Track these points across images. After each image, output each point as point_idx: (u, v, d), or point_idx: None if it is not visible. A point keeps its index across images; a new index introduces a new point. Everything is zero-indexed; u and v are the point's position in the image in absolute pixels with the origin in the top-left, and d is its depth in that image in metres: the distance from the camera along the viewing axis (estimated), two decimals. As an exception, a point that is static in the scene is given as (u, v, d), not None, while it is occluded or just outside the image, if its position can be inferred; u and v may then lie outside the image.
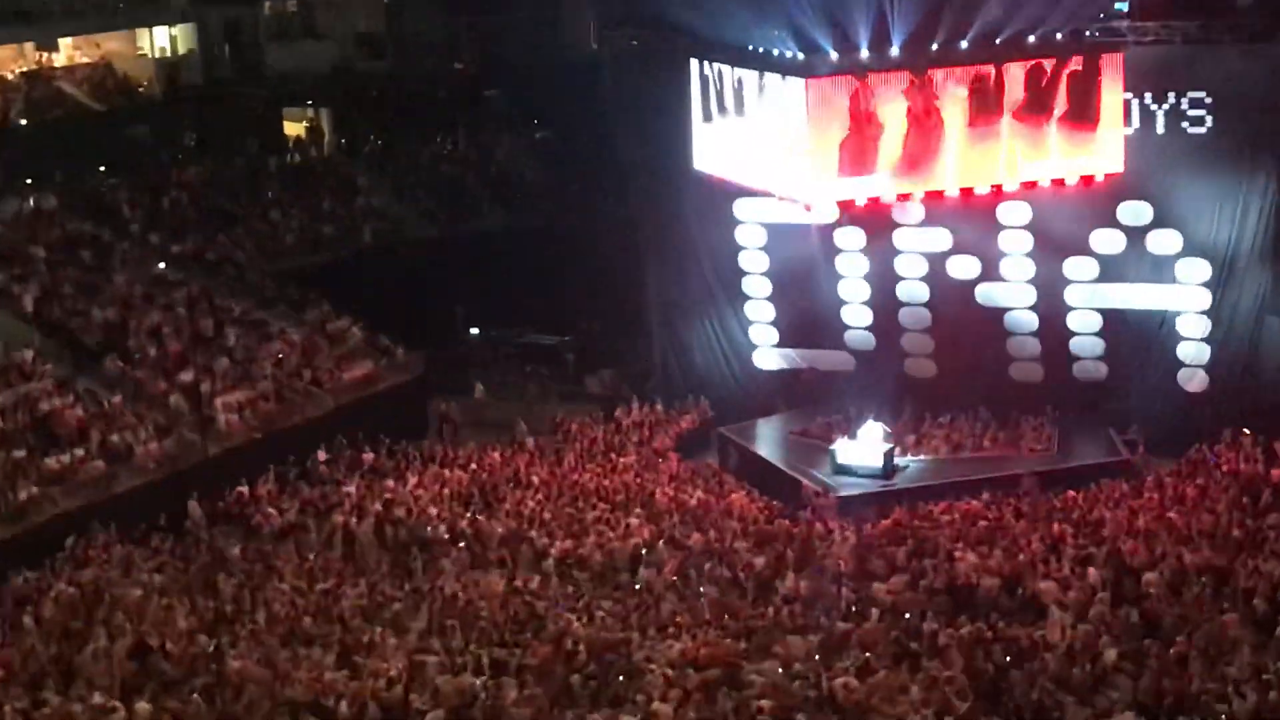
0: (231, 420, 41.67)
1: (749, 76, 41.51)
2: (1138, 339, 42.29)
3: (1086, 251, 41.99)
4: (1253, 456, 38.39)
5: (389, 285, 48.09)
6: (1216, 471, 38.17)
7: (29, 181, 49.28)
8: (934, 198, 40.99)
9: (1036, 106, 40.02)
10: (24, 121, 49.68)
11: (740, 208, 44.54)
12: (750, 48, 41.68)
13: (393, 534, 37.30)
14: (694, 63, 43.25)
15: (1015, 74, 40.05)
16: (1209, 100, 40.11)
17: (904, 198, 41.11)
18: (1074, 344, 43.03)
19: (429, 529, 37.41)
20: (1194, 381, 41.88)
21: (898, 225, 43.14)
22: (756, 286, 45.34)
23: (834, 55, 40.02)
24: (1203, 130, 40.31)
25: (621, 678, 29.87)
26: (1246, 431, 39.03)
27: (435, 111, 56.10)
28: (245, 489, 39.37)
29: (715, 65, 42.74)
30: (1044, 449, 41.28)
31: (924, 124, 39.72)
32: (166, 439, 40.36)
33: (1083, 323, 42.82)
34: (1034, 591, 33.00)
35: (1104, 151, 40.22)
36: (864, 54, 39.94)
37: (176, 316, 45.08)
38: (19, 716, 28.81)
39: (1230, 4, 41.22)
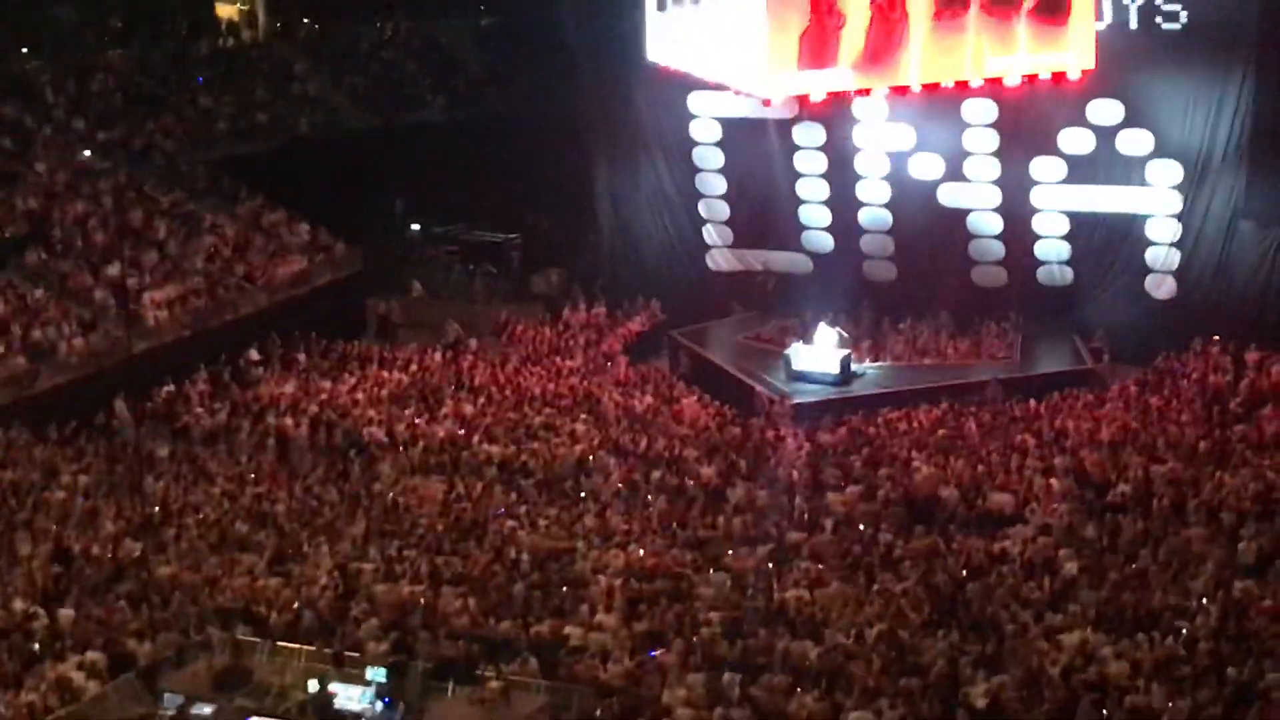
0: (160, 317, 41.68)
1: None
2: (1106, 243, 42.46)
3: (1054, 152, 42.10)
4: (1221, 366, 38.84)
5: (325, 177, 47.88)
6: (1184, 381, 38.64)
7: (-55, 62, 49.08)
8: (897, 93, 41.03)
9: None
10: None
11: (695, 101, 44.53)
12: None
13: (327, 437, 37.44)
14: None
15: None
16: (1183, -1, 40.30)
17: (864, 92, 41.15)
18: (1039, 248, 43.21)
19: (366, 432, 37.54)
20: (1162, 288, 42.12)
21: (858, 121, 43.10)
22: (711, 184, 45.41)
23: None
24: (1177, 26, 40.26)
25: (565, 588, 30.06)
26: (1216, 340, 39.37)
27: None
28: (174, 388, 39.44)
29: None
30: (1006, 356, 41.59)
31: (887, 15, 39.62)
32: (92, 335, 40.38)
33: (1049, 226, 42.99)
34: (993, 503, 33.32)
35: (1075, 47, 40.24)
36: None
37: (102, 207, 45.01)
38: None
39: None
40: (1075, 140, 41.76)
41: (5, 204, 43.98)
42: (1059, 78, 40.38)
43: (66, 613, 28.86)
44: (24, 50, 50.90)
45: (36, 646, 27.70)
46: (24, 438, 36.65)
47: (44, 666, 27.07)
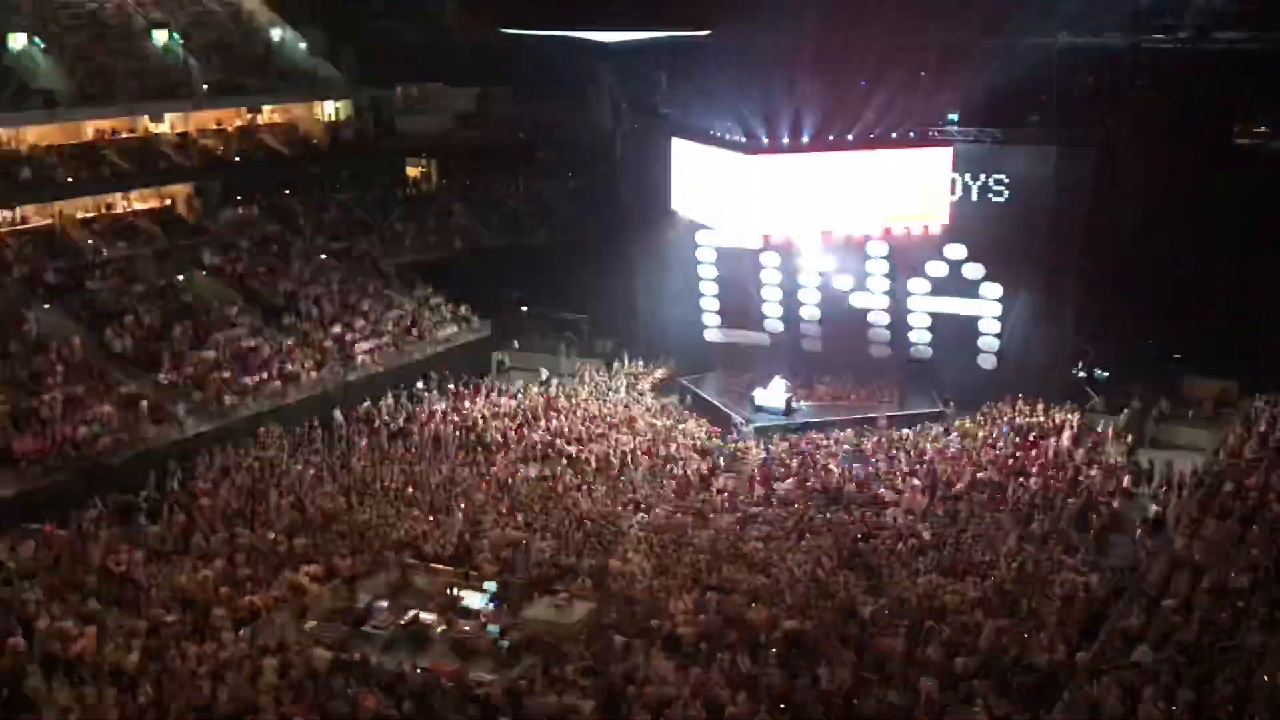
0: (364, 359, 42.23)
1: (709, 151, 41.92)
2: (953, 333, 42.58)
3: (922, 274, 42.36)
4: (1022, 411, 39.03)
5: (470, 275, 48.36)
6: (999, 421, 38.77)
7: (239, 197, 49.62)
8: (825, 236, 41.48)
9: (895, 178, 40.56)
10: (237, 158, 49.86)
11: (700, 235, 44.89)
12: (712, 132, 42.10)
13: (465, 437, 37.82)
14: (675, 140, 43.61)
15: (884, 157, 40.60)
16: (1007, 180, 40.62)
17: (805, 233, 41.62)
18: (911, 335, 43.40)
19: (488, 435, 37.90)
20: (988, 362, 42.29)
21: (800, 253, 43.20)
22: (708, 287, 45.70)
23: (765, 140, 40.52)
24: (1002, 199, 40.76)
25: (610, 537, 30.44)
26: (1020, 395, 39.61)
27: (505, 165, 56.34)
28: (371, 404, 39.90)
29: (688, 142, 43.13)
30: (889, 401, 41.81)
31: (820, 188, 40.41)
32: (321, 370, 40.88)
33: (918, 320, 43.16)
34: (878, 493, 33.65)
35: (937, 211, 40.69)
36: (784, 140, 40.47)
37: (330, 290, 45.58)
38: (221, 543, 29.36)
39: (1022, 120, 41.71)
40: (936, 268, 42.07)
41: (270, 287, 44.57)
42: (925, 230, 40.86)
43: (300, 541, 29.37)
44: (286, 190, 51.44)
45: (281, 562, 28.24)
46: (277, 431, 37.14)
47: (284, 574, 27.57)
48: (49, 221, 44.08)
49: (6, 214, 43.23)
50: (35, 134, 44.35)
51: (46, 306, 39.52)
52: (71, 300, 40.30)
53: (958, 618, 25.19)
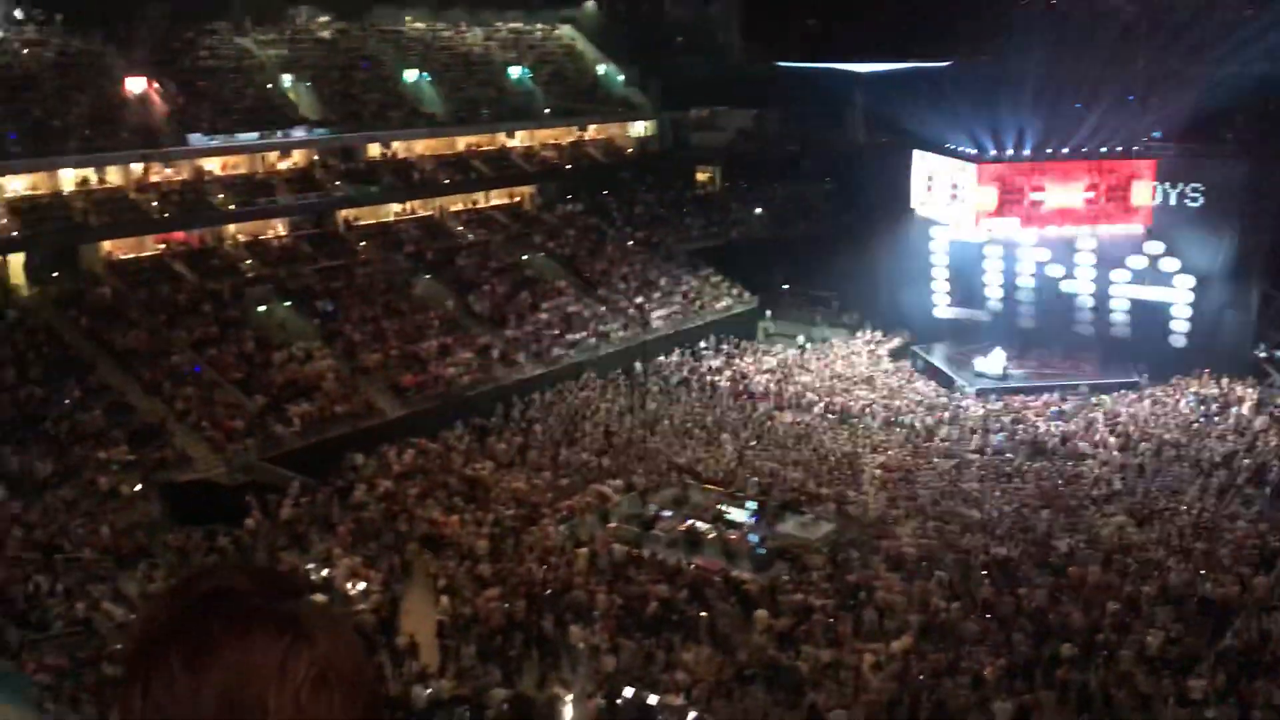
0: (659, 324, 42.89)
1: (945, 161, 40.83)
2: (1149, 316, 40.15)
3: (1124, 266, 40.12)
4: (1208, 384, 36.64)
5: (742, 259, 48.37)
6: (1187, 391, 36.58)
7: (569, 196, 50.90)
8: (1040, 233, 39.87)
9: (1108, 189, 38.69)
10: (568, 166, 51.26)
11: (933, 230, 43.68)
12: (948, 145, 40.97)
13: (735, 387, 38.11)
14: (915, 153, 42.62)
15: (1094, 167, 38.71)
16: (1202, 188, 38.02)
17: (1024, 228, 40.08)
18: (1112, 317, 41.10)
19: (754, 386, 38.11)
20: (1178, 342, 39.71)
21: (1019, 245, 41.60)
22: (938, 272, 44.40)
23: (992, 152, 39.17)
24: (1196, 205, 38.20)
25: (850, 472, 30.25)
26: (1207, 370, 37.19)
27: (775, 171, 56.03)
28: (662, 359, 40.63)
29: (927, 154, 42.09)
30: (1091, 371, 39.90)
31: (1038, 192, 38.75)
32: (625, 330, 41.74)
33: (1119, 305, 40.83)
34: (1077, 447, 32.30)
35: (1140, 214, 38.55)
36: (1009, 152, 39.07)
37: (634, 270, 46.44)
38: (548, 459, 30.59)
39: (1218, 137, 39.10)
40: (1136, 261, 39.71)
41: (590, 265, 45.66)
42: (1129, 229, 38.78)
43: (606, 461, 30.29)
44: (604, 192, 52.27)
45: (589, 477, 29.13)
46: (591, 379, 38.24)
47: (594, 486, 28.50)
48: (431, 213, 46.41)
49: (402, 207, 45.77)
50: (422, 146, 46.67)
51: (427, 276, 41.69)
52: (445, 272, 42.37)
53: (1142, 554, 24.04)
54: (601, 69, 56.09)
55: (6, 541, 23.61)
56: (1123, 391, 37.63)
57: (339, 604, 22.32)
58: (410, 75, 48.41)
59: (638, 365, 39.59)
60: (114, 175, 38.44)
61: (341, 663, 1.42)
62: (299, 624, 1.42)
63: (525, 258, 44.98)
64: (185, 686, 1.37)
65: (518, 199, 49.88)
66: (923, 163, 42.33)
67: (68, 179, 37.13)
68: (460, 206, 47.64)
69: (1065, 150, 38.86)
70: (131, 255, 37.93)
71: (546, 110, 51.67)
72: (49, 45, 39.61)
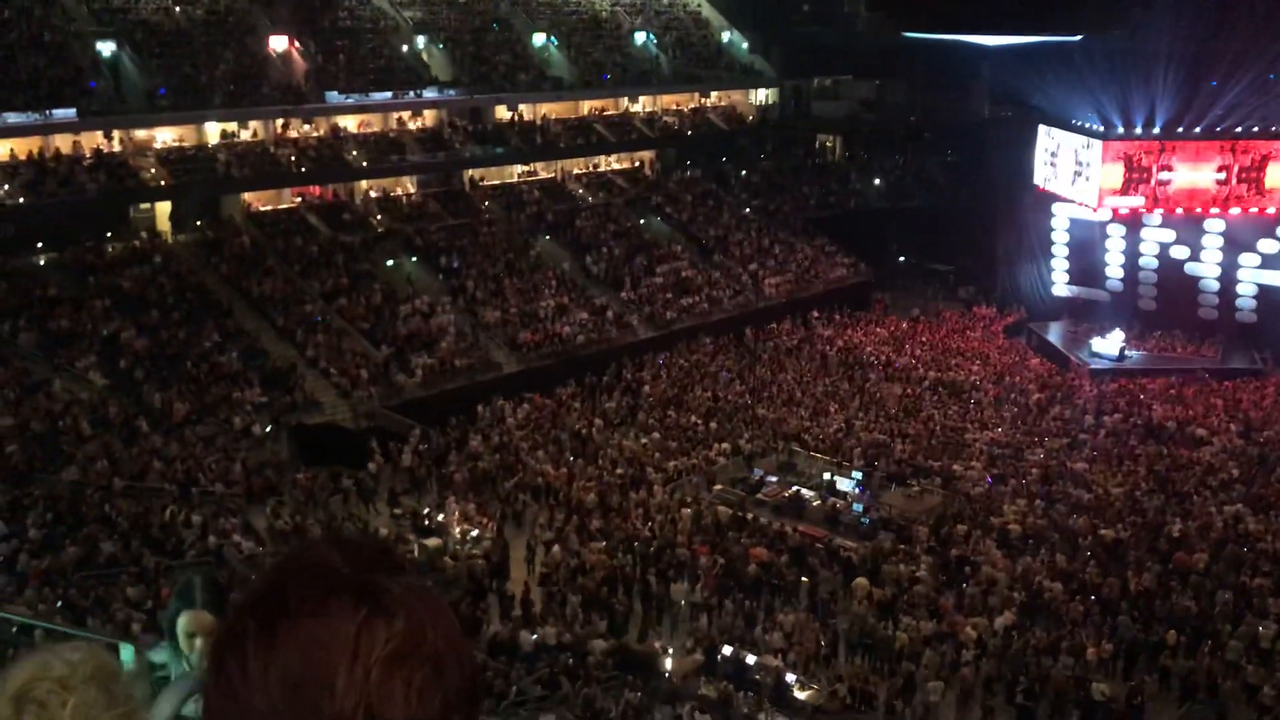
0: (772, 291, 42.55)
1: (1070, 137, 39.47)
2: (1277, 305, 38.40)
3: (1254, 250, 38.39)
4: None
5: (858, 229, 47.63)
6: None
7: (688, 162, 50.75)
8: (1168, 211, 38.32)
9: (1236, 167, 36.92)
10: (689, 132, 50.95)
11: (1056, 207, 42.39)
12: (1073, 121, 39.59)
13: (845, 357, 37.68)
14: (1040, 127, 41.33)
15: (1226, 147, 37.00)
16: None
17: (1149, 210, 38.54)
18: (1238, 301, 39.52)
19: (865, 357, 37.62)
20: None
21: (1144, 225, 40.15)
22: (1059, 250, 43.14)
23: (1120, 129, 37.74)
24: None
25: (957, 446, 29.69)
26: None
27: (896, 142, 54.98)
28: (775, 326, 40.36)
29: (1052, 129, 40.75)
30: (1212, 356, 38.37)
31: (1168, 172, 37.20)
32: (738, 297, 41.52)
33: (1245, 290, 39.22)
34: (1195, 433, 31.13)
35: (1273, 197, 36.74)
36: (1138, 129, 37.59)
37: (750, 237, 46.10)
38: (657, 420, 30.69)
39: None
40: (1267, 245, 38.01)
41: (705, 231, 45.49)
42: (1261, 211, 36.97)
43: (713, 425, 30.27)
44: (723, 159, 52.03)
45: (699, 440, 29.10)
46: (704, 342, 38.17)
47: (701, 449, 28.49)
48: (553, 175, 46.71)
49: (526, 167, 46.14)
50: (547, 109, 46.85)
51: (547, 237, 42.03)
52: (564, 233, 42.65)
53: (1257, 544, 23.13)
54: (725, 36, 55.49)
55: (147, 474, 24.69)
56: (1244, 378, 36.12)
57: (452, 548, 22.85)
58: (539, 39, 48.61)
59: (749, 332, 39.35)
60: (256, 129, 39.54)
61: (426, 643, 1.28)
62: (379, 597, 1.28)
63: (643, 221, 45.00)
64: (257, 667, 1.26)
65: (638, 163, 49.84)
66: (1047, 138, 41.07)
67: (212, 132, 38.32)
68: (581, 169, 47.83)
69: (1197, 130, 37.19)
70: (269, 207, 39.08)
71: (670, 75, 51.38)
72: (199, 3, 40.78)
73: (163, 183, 35.98)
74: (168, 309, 31.86)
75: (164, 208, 36.75)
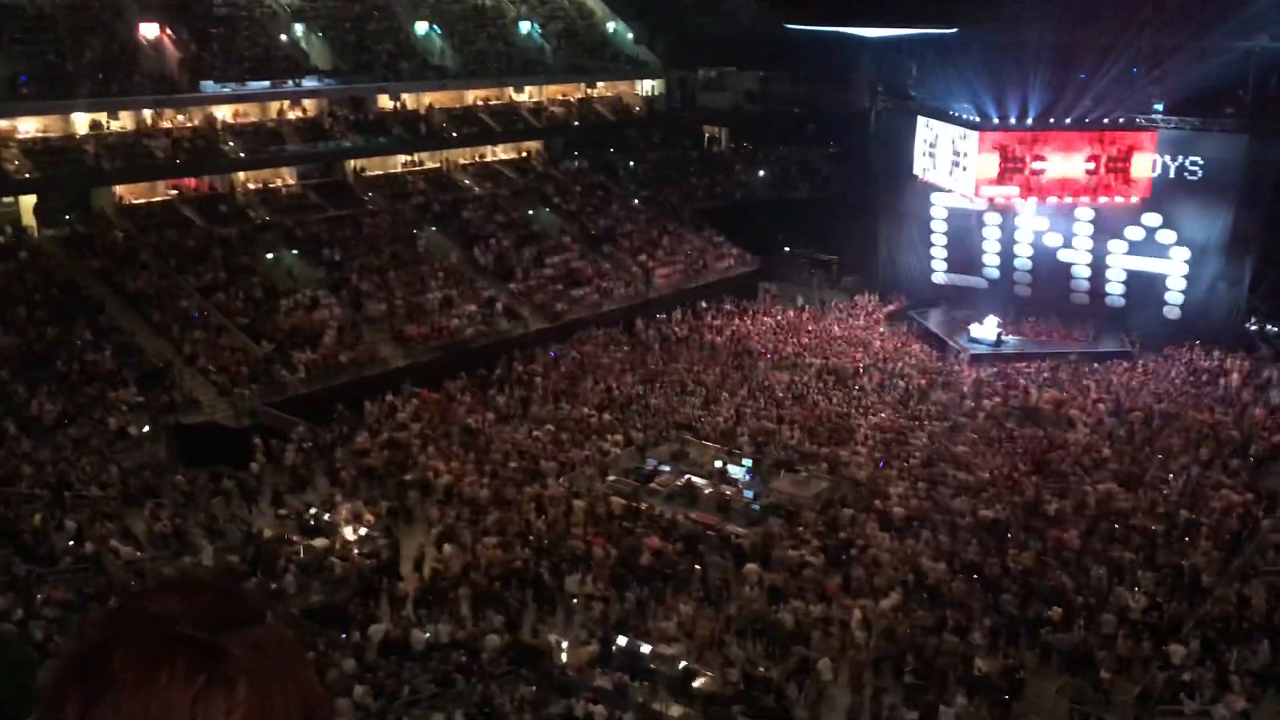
0: (661, 283, 42.69)
1: (947, 128, 40.42)
2: (1144, 287, 39.99)
3: (1121, 237, 39.88)
4: (1200, 355, 36.57)
5: (746, 221, 48.11)
6: (1177, 362, 36.47)
7: (575, 153, 50.57)
8: (1040, 200, 39.60)
9: (1104, 157, 38.32)
10: (575, 122, 50.80)
11: (934, 196, 43.34)
12: (951, 112, 40.55)
13: (733, 347, 38.00)
14: (919, 118, 42.20)
15: (1095, 138, 38.32)
16: (1201, 162, 37.74)
17: (1024, 198, 39.77)
18: (1108, 287, 40.91)
19: (752, 346, 37.99)
20: (1172, 314, 39.56)
21: (1018, 213, 41.36)
22: (938, 239, 44.14)
23: (995, 120, 38.81)
24: (1196, 178, 37.91)
25: (844, 432, 30.16)
26: (1197, 342, 37.10)
27: (780, 133, 55.58)
28: (665, 316, 40.46)
29: (930, 120, 41.67)
30: (1084, 339, 39.76)
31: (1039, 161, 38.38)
32: (628, 288, 41.56)
33: (1115, 276, 40.64)
34: (1068, 413, 32.22)
35: (1138, 185, 38.25)
36: (1012, 120, 38.71)
37: (639, 228, 46.19)
38: (548, 413, 30.52)
39: (1219, 112, 38.67)
40: (1133, 232, 39.47)
41: (594, 222, 45.45)
42: (1127, 200, 38.49)
43: (606, 417, 30.25)
44: (611, 150, 51.82)
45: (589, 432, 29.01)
46: (596, 334, 38.10)
47: (593, 440, 28.48)
48: (438, 165, 46.12)
49: (410, 158, 45.42)
50: (431, 98, 46.19)
51: (433, 228, 41.49)
52: (450, 224, 42.17)
53: (1127, 520, 24.08)
54: (611, 26, 55.47)
55: (16, 479, 23.63)
56: (1114, 361, 37.53)
57: (340, 548, 22.38)
58: (421, 27, 47.88)
59: (639, 323, 39.41)
60: (126, 120, 38.10)
61: (274, 712, 1.15)
62: (219, 660, 1.15)
63: (531, 212, 44.73)
64: None
65: (525, 154, 49.54)
66: (926, 129, 41.91)
67: (80, 123, 36.80)
68: (467, 160, 47.31)
69: (1068, 120, 38.47)
70: (143, 200, 37.75)
71: (555, 66, 51.12)
72: (63, -12, 39.11)
73: (27, 175, 34.43)
74: (34, 306, 30.53)
75: (28, 201, 35.19)
